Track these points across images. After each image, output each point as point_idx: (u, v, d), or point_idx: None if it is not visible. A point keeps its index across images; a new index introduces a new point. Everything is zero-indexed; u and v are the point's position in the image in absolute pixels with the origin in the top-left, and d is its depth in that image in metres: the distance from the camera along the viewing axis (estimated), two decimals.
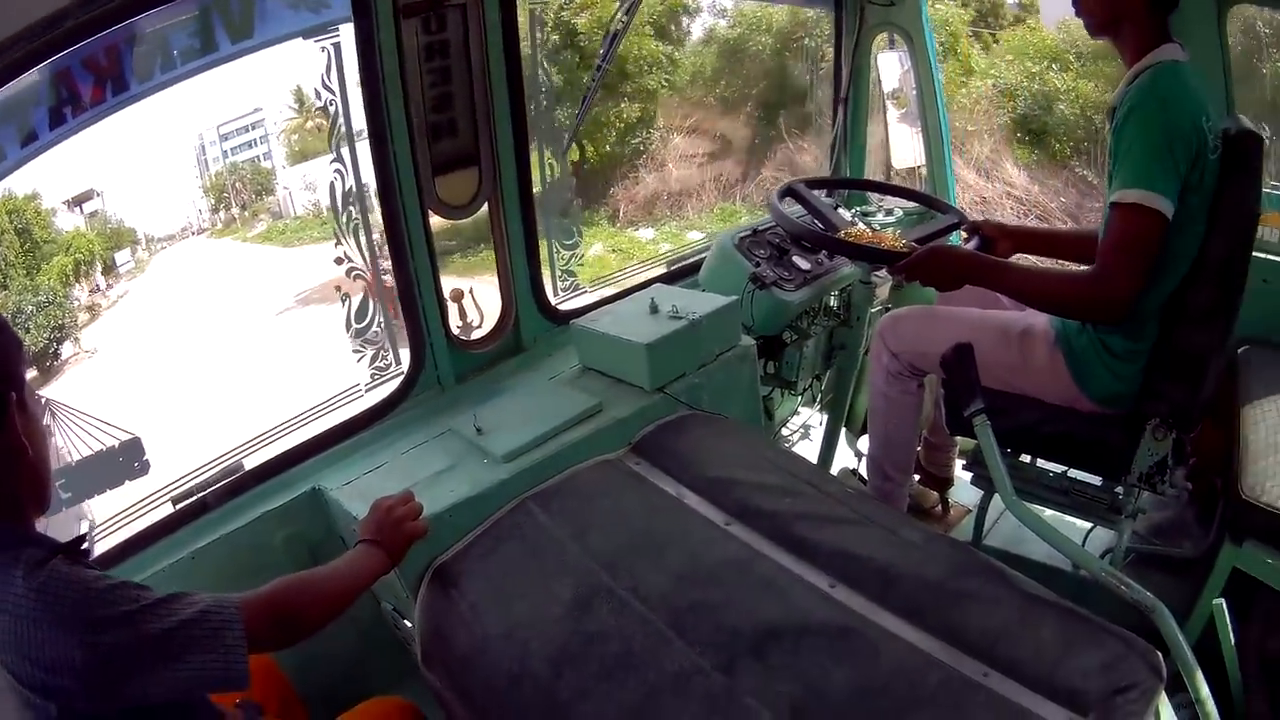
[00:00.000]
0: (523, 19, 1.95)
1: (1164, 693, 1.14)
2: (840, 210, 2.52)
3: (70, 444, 1.68)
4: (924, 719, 1.10)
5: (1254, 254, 2.06)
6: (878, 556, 1.35)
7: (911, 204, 2.68)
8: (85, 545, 1.09)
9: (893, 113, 3.02)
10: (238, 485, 1.75)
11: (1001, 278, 1.82)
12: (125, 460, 1.71)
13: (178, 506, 1.71)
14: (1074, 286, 1.71)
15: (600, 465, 1.61)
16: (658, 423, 1.71)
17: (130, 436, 1.72)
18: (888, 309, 2.60)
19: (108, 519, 1.71)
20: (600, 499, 1.54)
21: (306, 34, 1.83)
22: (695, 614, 1.28)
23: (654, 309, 1.94)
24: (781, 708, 1.12)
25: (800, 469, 1.60)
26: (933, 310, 2.11)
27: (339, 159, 1.81)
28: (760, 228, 2.40)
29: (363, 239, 1.83)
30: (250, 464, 1.81)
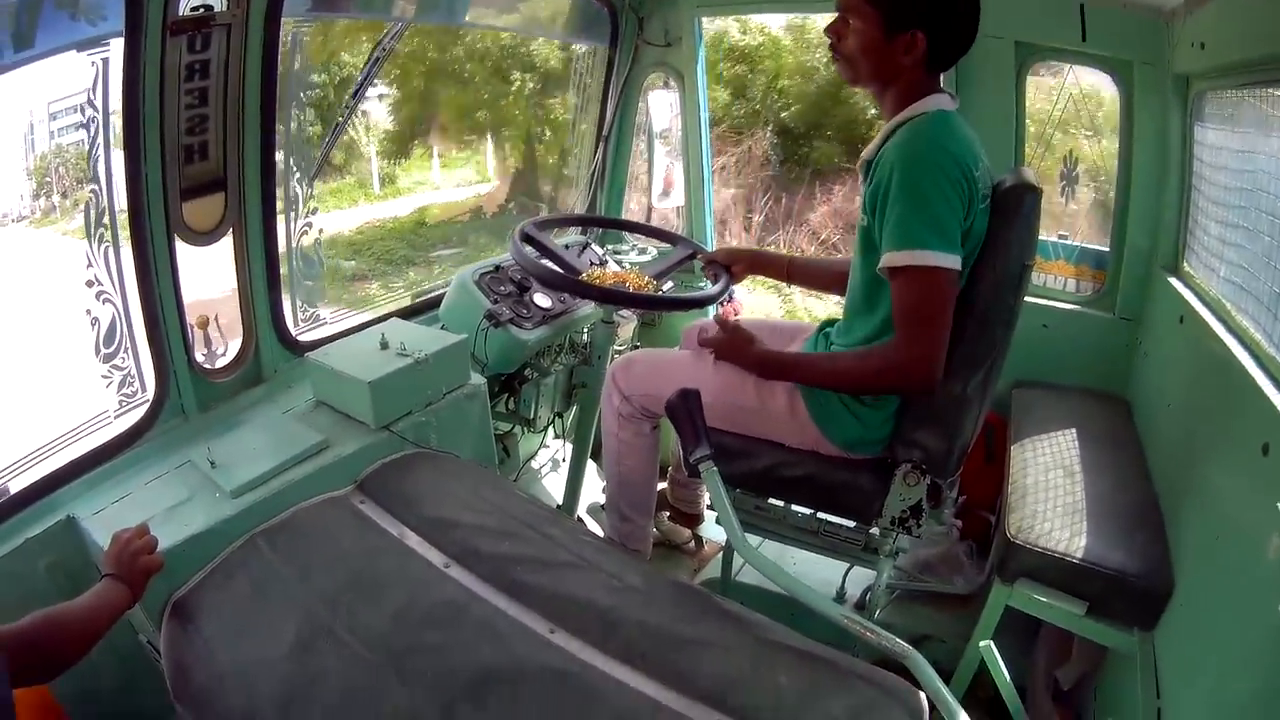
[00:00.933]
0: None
1: None
2: (593, 248, 2.56)
3: None
4: None
5: (1034, 299, 2.11)
6: (599, 601, 1.31)
7: (664, 243, 2.69)
8: None
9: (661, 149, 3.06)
10: (2, 512, 1.66)
11: (795, 371, 1.78)
12: None
13: None
14: (877, 365, 1.65)
15: (326, 503, 1.55)
16: (383, 461, 1.66)
17: None
18: (636, 347, 2.65)
19: None
20: (324, 537, 1.48)
21: (80, 47, 1.77)
22: (413, 656, 1.23)
23: (384, 345, 1.91)
24: None
25: (524, 511, 1.56)
26: (667, 354, 2.09)
27: (95, 179, 1.74)
28: (503, 264, 2.38)
29: (113, 262, 1.75)
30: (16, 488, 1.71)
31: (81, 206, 1.77)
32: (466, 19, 2.60)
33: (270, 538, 1.48)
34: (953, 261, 1.54)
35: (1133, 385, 2.30)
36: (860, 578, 2.21)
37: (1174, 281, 2.09)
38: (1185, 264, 2.14)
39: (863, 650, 1.53)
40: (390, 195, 10.46)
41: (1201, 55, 1.87)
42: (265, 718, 1.17)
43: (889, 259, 1.56)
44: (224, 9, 1.77)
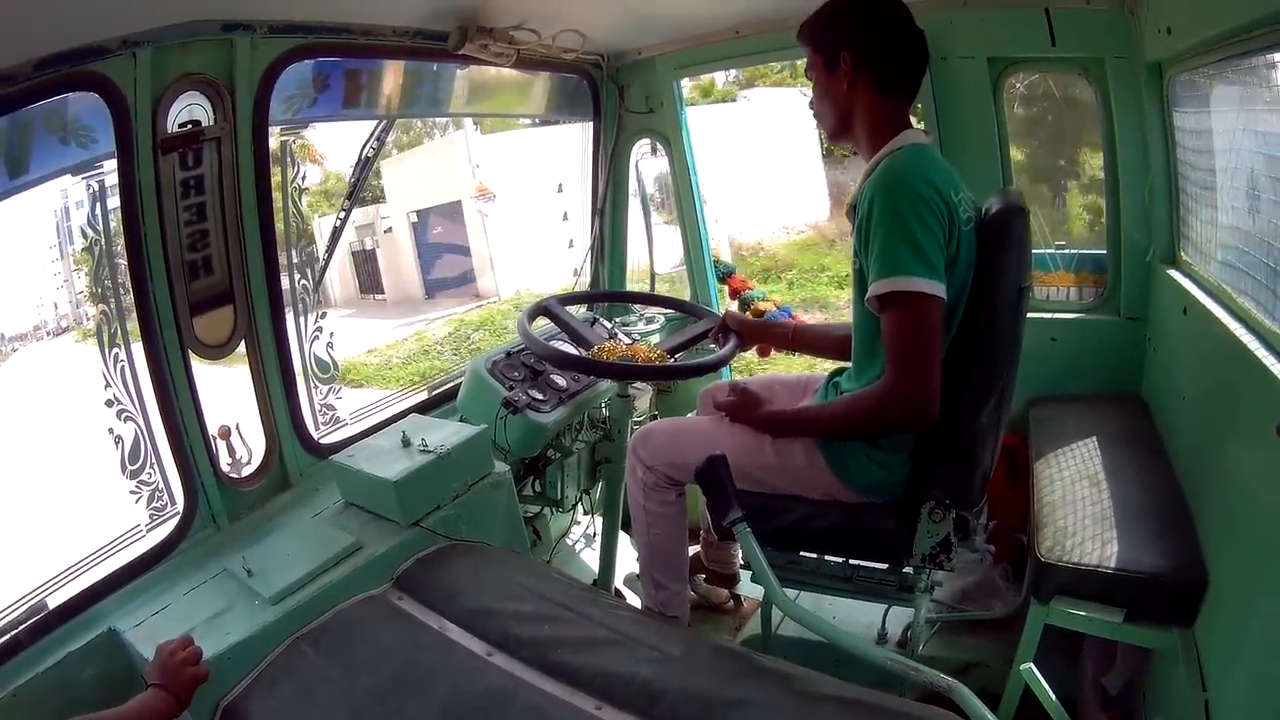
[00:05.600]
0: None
1: None
2: (601, 322, 2.58)
3: None
4: None
5: (1038, 315, 2.11)
6: (640, 673, 1.34)
7: (670, 310, 2.73)
8: None
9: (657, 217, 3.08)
10: (45, 624, 1.69)
11: (803, 426, 1.81)
12: None
13: None
14: (873, 404, 1.67)
15: (364, 602, 1.60)
16: (416, 556, 1.70)
17: None
18: (655, 416, 2.67)
19: None
20: (365, 636, 1.52)
21: (75, 170, 1.80)
22: None
23: (405, 442, 1.93)
24: None
25: (559, 593, 1.59)
26: (684, 422, 2.12)
27: (103, 299, 1.77)
28: (513, 350, 2.40)
29: (129, 380, 1.78)
30: (54, 602, 1.73)
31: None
32: (450, 109, 2.62)
33: (313, 640, 1.53)
34: (937, 289, 1.56)
35: (1146, 384, 2.30)
36: (900, 615, 2.20)
37: (1173, 273, 2.09)
38: (1182, 254, 2.14)
39: (910, 688, 1.53)
40: None
41: (1169, 40, 1.88)
42: None
43: (875, 288, 1.59)
44: (211, 123, 1.80)
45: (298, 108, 2.04)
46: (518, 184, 14.46)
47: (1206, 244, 1.97)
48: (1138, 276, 2.31)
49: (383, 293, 17.92)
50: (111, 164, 1.75)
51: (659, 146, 2.99)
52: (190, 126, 1.78)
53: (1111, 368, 2.37)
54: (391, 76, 2.29)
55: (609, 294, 3.03)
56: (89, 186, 1.77)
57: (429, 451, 1.88)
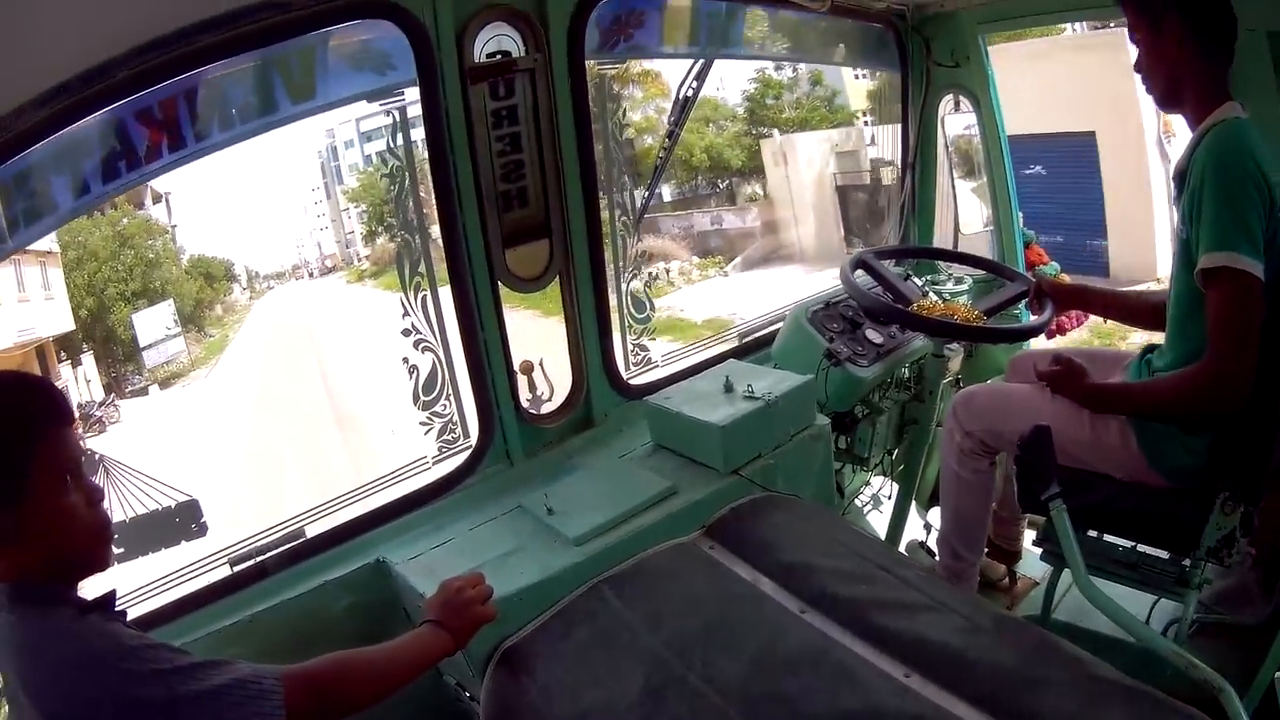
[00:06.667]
0: None
1: None
2: (910, 279, 2.52)
3: (126, 502, 1.68)
4: None
5: None
6: (952, 643, 1.34)
7: (980, 271, 2.67)
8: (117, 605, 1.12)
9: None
10: (299, 552, 1.74)
11: (1126, 403, 1.80)
12: (181, 521, 1.72)
13: (235, 569, 1.69)
14: (1195, 383, 1.66)
15: (674, 549, 1.60)
16: (731, 505, 1.69)
17: (188, 499, 1.74)
18: (958, 381, 2.61)
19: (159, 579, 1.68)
20: (674, 584, 1.52)
21: (371, 97, 1.83)
22: (770, 704, 1.26)
23: (728, 388, 1.92)
24: None
25: (874, 552, 1.59)
26: (1005, 388, 2.09)
27: (406, 227, 1.80)
28: (833, 300, 2.38)
29: (430, 309, 1.82)
30: (313, 531, 1.79)
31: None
32: (753, 51, 2.58)
33: (616, 585, 1.52)
34: (1259, 270, 1.55)
35: None
36: (1159, 615, 2.08)
37: None
38: None
39: (1161, 681, 1.54)
40: None
41: None
42: None
43: (1206, 260, 1.58)
44: (523, 54, 1.81)
45: (613, 41, 2.04)
46: None
47: None
48: None
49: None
50: (411, 92, 1.76)
51: (963, 101, 2.90)
52: (500, 57, 1.79)
53: None
54: (703, 14, 2.28)
55: (927, 250, 2.96)
56: (389, 113, 1.79)
57: (755, 398, 1.86)
